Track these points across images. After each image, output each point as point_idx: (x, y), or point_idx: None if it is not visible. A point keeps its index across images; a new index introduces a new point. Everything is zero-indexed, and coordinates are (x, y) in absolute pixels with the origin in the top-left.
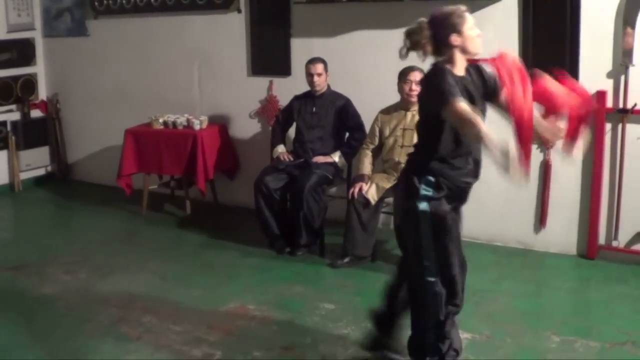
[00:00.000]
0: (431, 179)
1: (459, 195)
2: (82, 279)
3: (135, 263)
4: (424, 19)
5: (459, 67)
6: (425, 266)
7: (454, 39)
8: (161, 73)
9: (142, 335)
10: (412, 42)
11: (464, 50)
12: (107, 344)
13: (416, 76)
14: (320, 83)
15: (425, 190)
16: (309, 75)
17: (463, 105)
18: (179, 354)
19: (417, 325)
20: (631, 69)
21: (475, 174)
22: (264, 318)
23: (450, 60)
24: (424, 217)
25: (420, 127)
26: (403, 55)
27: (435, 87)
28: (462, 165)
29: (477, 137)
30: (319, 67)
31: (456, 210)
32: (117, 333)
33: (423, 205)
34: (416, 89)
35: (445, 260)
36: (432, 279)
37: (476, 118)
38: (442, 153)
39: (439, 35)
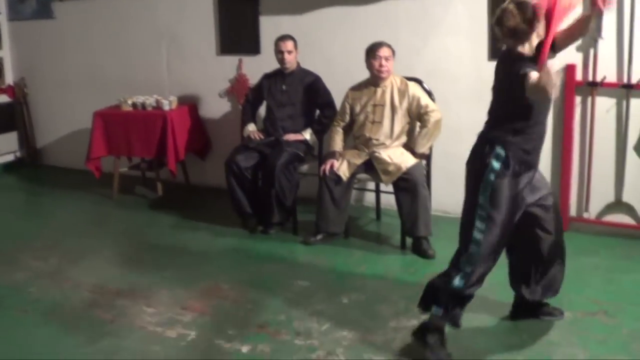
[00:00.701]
0: (502, 152)
1: (528, 163)
2: (53, 264)
3: (107, 247)
4: (508, 5)
5: (530, 51)
6: (475, 226)
7: (536, 24)
8: (129, 54)
9: (116, 318)
10: (509, 29)
11: (538, 35)
12: (80, 329)
13: (385, 52)
14: (291, 60)
15: (495, 163)
16: (279, 53)
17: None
18: (154, 335)
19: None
20: (600, 42)
21: (543, 140)
22: (238, 297)
23: (526, 45)
24: (486, 187)
25: (500, 98)
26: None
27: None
28: (536, 134)
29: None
30: (289, 45)
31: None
32: (91, 317)
33: (491, 177)
34: (386, 64)
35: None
36: (476, 247)
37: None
38: (519, 124)
39: (526, 19)
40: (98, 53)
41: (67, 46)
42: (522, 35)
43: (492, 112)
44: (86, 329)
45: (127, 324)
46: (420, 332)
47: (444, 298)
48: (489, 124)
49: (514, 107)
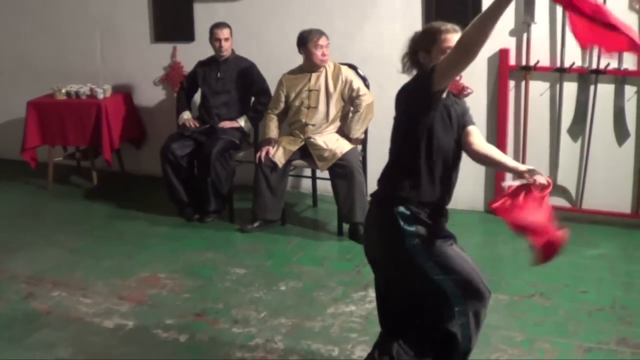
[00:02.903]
0: (406, 211)
1: (439, 214)
2: None
3: (43, 237)
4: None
5: None
6: (450, 293)
7: (423, 56)
8: (62, 42)
9: (53, 310)
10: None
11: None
12: (17, 321)
13: (325, 40)
14: (227, 48)
15: (406, 225)
16: (216, 41)
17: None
18: (91, 326)
19: None
20: (533, 27)
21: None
22: (175, 286)
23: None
24: (416, 252)
25: (398, 141)
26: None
27: (415, 84)
28: (446, 181)
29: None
30: (226, 32)
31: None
32: (27, 309)
33: (411, 242)
34: (327, 53)
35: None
36: (459, 308)
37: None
38: (424, 170)
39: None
40: (31, 41)
41: None
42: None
43: (388, 162)
44: (23, 321)
45: (64, 315)
46: None
47: None
48: (383, 179)
49: (408, 144)
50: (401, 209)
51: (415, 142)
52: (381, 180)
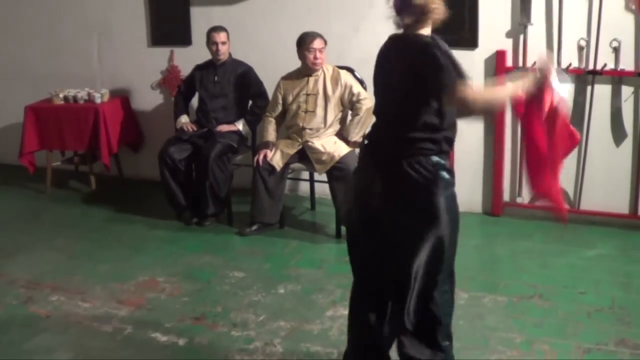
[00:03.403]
0: (442, 160)
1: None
2: None
3: (42, 242)
4: None
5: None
6: (445, 259)
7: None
8: (60, 47)
9: (52, 314)
10: (417, 7)
11: (434, 20)
12: (15, 325)
13: (319, 43)
14: (224, 52)
15: (446, 175)
16: (213, 44)
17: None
18: (90, 330)
19: None
20: (530, 28)
21: None
22: (174, 290)
23: (424, 29)
24: (449, 204)
25: (406, 97)
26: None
27: (438, 62)
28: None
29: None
30: (223, 36)
31: None
32: (26, 313)
33: (450, 190)
34: (320, 56)
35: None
36: (446, 287)
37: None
38: (446, 123)
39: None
40: (27, 45)
41: None
42: (427, 17)
43: (391, 117)
44: (21, 326)
45: (63, 319)
46: None
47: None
48: (394, 137)
49: (424, 101)
50: (436, 158)
51: (431, 101)
52: (391, 140)
